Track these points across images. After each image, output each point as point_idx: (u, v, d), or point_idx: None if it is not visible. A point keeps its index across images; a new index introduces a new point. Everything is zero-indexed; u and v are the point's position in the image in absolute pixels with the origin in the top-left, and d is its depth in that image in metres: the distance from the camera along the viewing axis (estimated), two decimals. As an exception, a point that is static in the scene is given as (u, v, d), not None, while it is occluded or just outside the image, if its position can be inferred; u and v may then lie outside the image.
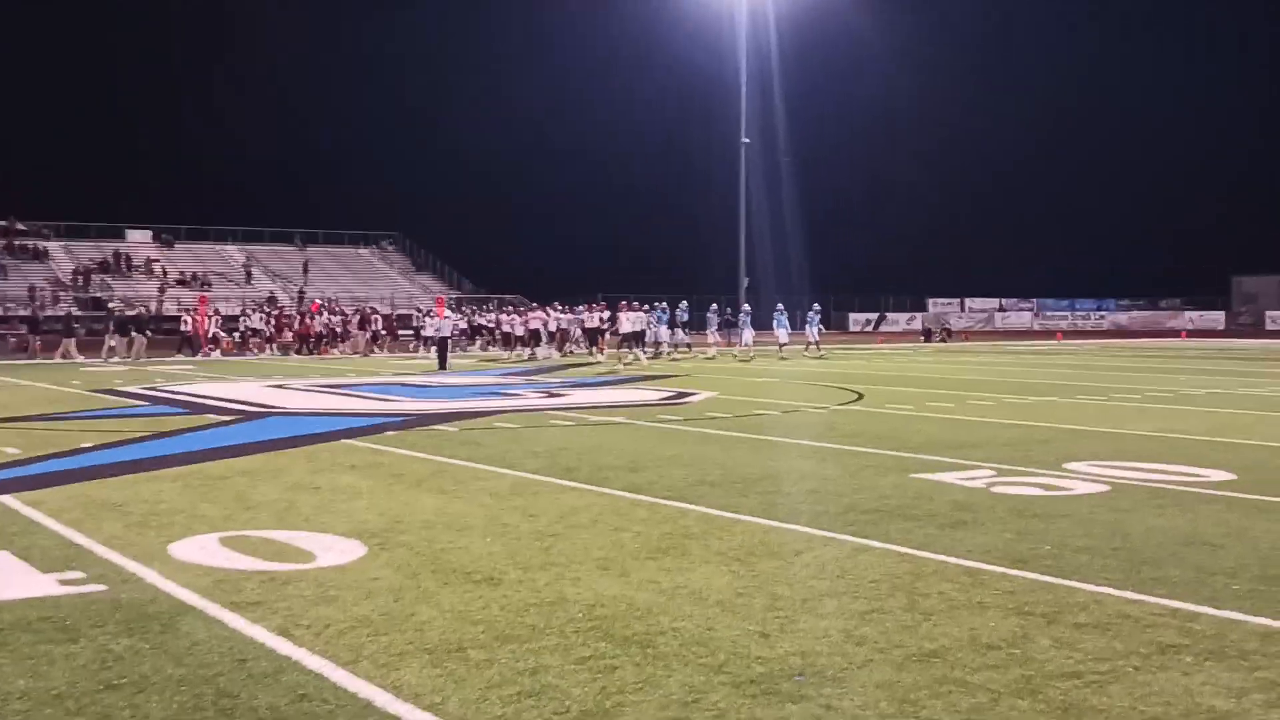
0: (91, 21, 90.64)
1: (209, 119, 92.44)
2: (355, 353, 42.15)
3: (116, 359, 35.89)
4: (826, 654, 5.43)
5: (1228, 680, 5.05)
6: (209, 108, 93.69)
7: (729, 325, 42.52)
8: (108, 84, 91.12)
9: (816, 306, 41.68)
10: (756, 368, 32.15)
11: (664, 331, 39.69)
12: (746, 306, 40.20)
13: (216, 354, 39.76)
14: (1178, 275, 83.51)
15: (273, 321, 45.06)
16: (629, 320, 35.89)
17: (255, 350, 42.07)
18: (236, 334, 43.19)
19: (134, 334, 38.32)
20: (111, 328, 38.24)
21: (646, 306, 38.74)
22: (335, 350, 42.44)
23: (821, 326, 41.74)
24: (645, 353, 37.16)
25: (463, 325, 45.94)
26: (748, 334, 38.33)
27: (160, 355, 38.49)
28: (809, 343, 39.77)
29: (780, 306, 39.68)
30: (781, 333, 38.64)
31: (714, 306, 42.17)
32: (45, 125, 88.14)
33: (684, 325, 41.83)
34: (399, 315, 54.62)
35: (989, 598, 6.47)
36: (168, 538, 8.10)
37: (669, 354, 39.02)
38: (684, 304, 42.40)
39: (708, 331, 41.57)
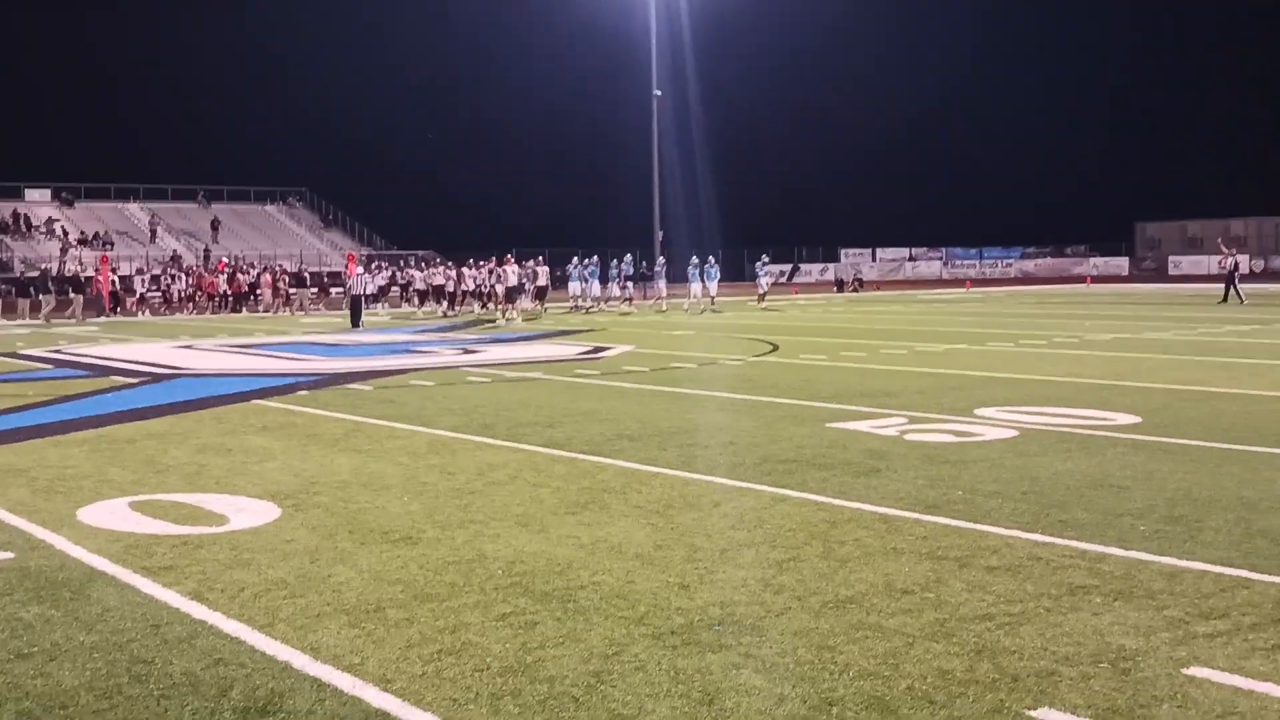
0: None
1: (108, 75, 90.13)
2: (301, 310, 41.82)
3: (43, 320, 35.40)
4: (745, 603, 5.48)
5: (1135, 620, 5.18)
6: (106, 63, 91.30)
7: (652, 277, 42.83)
8: (2, 39, 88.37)
9: (765, 259, 42.79)
10: (674, 320, 32.21)
11: (595, 287, 40.02)
12: (695, 259, 40.30)
13: (145, 314, 39.35)
14: (1083, 222, 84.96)
15: (192, 280, 44.49)
16: (513, 274, 36.56)
17: (178, 310, 41.63)
18: (160, 293, 42.53)
19: (71, 294, 37.57)
20: (51, 288, 37.55)
21: (577, 261, 39.66)
22: (269, 310, 41.75)
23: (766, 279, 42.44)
24: (585, 306, 38.75)
25: (382, 282, 45.64)
26: (696, 286, 38.80)
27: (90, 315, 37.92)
28: (760, 294, 40.76)
29: (712, 259, 39.89)
30: (713, 285, 38.97)
31: (660, 260, 42.58)
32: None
33: (630, 279, 41.71)
34: (329, 273, 54.37)
35: (903, 543, 6.56)
36: (76, 503, 7.95)
37: (592, 309, 39.03)
38: (628, 258, 42.17)
39: (654, 285, 41.96)
